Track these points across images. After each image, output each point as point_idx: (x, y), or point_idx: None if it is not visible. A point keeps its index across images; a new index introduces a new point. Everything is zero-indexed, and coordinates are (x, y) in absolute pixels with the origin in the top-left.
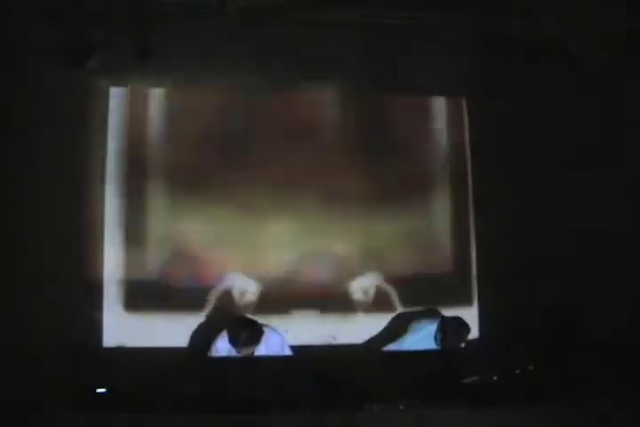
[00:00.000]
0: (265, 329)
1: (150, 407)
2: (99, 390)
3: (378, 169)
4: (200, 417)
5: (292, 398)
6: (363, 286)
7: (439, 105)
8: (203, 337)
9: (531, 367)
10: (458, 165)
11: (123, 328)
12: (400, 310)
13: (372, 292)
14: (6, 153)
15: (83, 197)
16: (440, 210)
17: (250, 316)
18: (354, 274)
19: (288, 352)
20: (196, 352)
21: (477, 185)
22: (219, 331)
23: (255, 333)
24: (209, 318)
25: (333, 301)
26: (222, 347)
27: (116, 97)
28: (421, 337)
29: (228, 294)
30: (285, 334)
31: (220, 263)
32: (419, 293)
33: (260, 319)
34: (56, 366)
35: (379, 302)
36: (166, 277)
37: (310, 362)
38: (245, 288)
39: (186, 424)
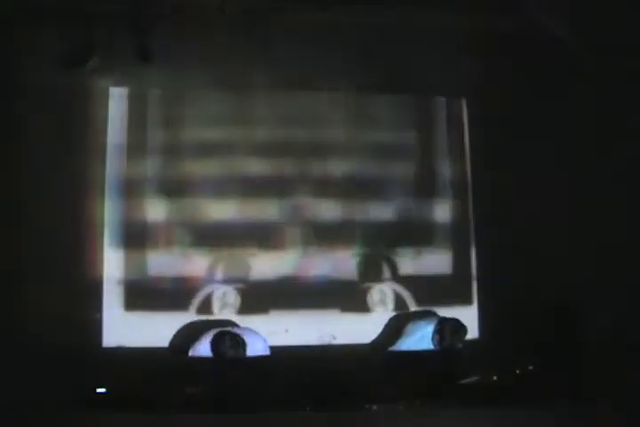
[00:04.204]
0: (247, 335)
1: (150, 407)
2: (99, 390)
3: (378, 169)
4: (200, 417)
5: (292, 398)
6: (362, 286)
7: (439, 105)
8: (185, 338)
9: (531, 367)
10: (458, 165)
11: (122, 328)
12: (398, 310)
13: (371, 292)
14: (6, 153)
15: (82, 197)
16: (440, 209)
17: (236, 317)
18: (353, 274)
19: (267, 352)
20: (177, 353)
21: (477, 185)
22: (201, 333)
23: (239, 350)
24: (193, 320)
25: (333, 301)
26: (203, 350)
27: (116, 97)
28: (417, 339)
29: (216, 295)
30: (286, 333)
31: (215, 262)
32: (419, 293)
33: (247, 320)
34: (56, 366)
35: (378, 303)
36: (164, 278)
37: (309, 362)
38: (233, 289)
39: (186, 424)
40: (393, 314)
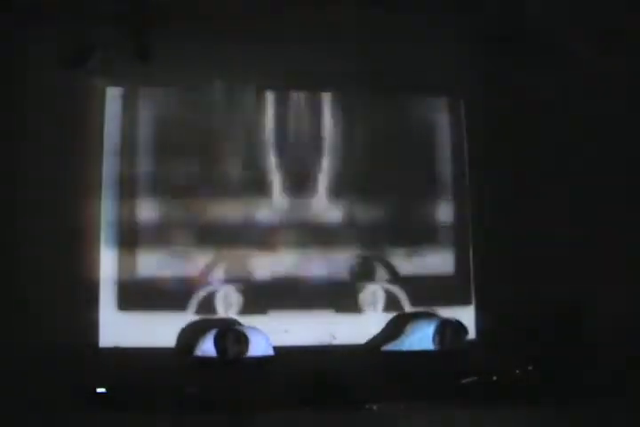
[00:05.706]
0: (250, 332)
1: (149, 407)
2: (98, 390)
3: (377, 169)
4: (199, 417)
5: (292, 397)
6: (361, 286)
7: (439, 105)
8: (188, 338)
9: (530, 367)
10: (457, 165)
11: (118, 328)
12: (398, 311)
13: (370, 292)
14: (6, 153)
15: (80, 197)
16: (439, 209)
17: (236, 317)
18: (352, 274)
19: (271, 352)
20: (181, 353)
21: (476, 185)
22: (204, 332)
23: (243, 346)
24: (196, 319)
25: (333, 302)
26: (207, 348)
27: (116, 97)
28: (417, 339)
29: (215, 295)
30: (286, 334)
31: (211, 262)
32: (418, 293)
33: (246, 321)
34: (54, 366)
35: (377, 303)
36: (160, 278)
37: (310, 362)
38: (234, 288)
39: (186, 424)
40: (393, 314)
